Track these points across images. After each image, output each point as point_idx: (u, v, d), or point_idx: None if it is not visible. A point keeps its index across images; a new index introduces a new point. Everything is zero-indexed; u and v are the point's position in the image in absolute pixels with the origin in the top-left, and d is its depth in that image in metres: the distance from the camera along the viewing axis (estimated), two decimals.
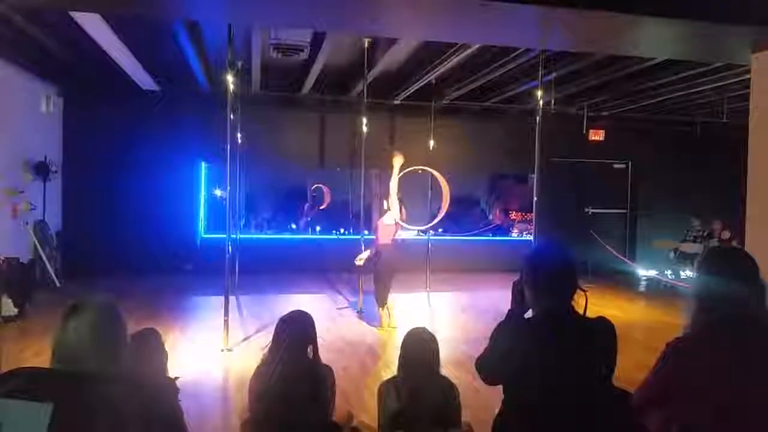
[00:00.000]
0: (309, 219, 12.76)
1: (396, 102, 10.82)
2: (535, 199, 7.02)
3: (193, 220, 11.47)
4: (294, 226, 12.66)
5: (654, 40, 5.35)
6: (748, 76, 5.53)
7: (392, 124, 11.93)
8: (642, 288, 11.12)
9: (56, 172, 9.87)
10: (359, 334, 7.12)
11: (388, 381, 3.12)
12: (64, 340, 1.80)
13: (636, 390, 2.22)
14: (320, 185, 13.03)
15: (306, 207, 12.98)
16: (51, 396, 1.55)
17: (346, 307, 8.43)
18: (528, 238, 12.56)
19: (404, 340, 3.14)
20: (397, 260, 7.23)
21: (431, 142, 10.30)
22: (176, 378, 2.59)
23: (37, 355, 5.68)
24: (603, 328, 2.24)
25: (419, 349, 3.05)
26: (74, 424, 1.56)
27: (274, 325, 3.10)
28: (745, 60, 5.28)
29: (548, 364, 2.13)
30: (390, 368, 5.55)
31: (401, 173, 7.28)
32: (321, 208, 12.85)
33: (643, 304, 9.70)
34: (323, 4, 4.63)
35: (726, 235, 10.17)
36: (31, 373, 1.73)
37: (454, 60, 7.85)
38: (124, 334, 1.91)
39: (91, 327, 1.80)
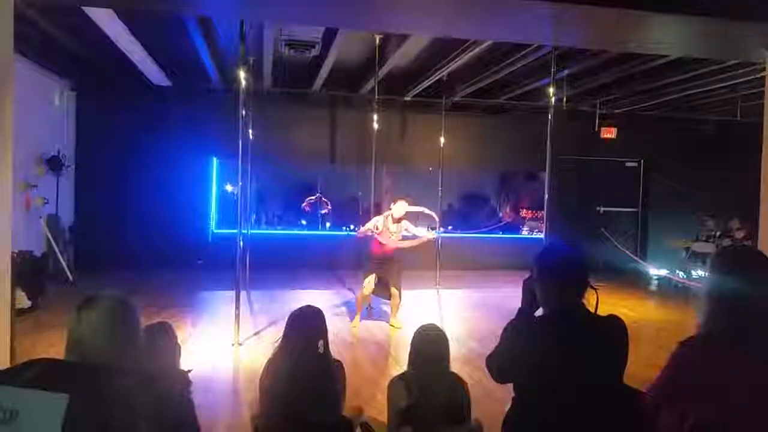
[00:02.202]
0: (319, 214, 12.74)
1: (407, 99, 10.81)
2: (546, 196, 6.98)
3: (205, 216, 11.52)
4: (304, 222, 12.67)
5: (667, 37, 5.32)
6: (762, 74, 5.48)
7: (403, 121, 11.92)
8: (653, 287, 11.05)
9: (69, 166, 9.94)
10: (369, 329, 7.13)
11: (399, 377, 3.13)
12: (77, 332, 1.83)
13: (648, 388, 2.22)
14: (319, 196, 12.93)
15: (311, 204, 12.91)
16: (67, 387, 1.57)
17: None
18: (538, 236, 12.51)
19: (414, 336, 3.14)
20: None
21: (442, 139, 10.28)
22: (188, 371, 2.62)
23: (51, 347, 5.73)
24: (614, 326, 2.24)
25: (430, 345, 3.06)
26: (89, 416, 1.58)
27: (285, 320, 3.12)
28: (760, 58, 5.24)
29: (559, 362, 2.13)
30: (400, 364, 5.56)
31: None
32: (324, 212, 12.80)
33: (653, 304, 9.65)
34: (335, 1, 4.64)
35: (740, 234, 10.08)
36: (47, 364, 1.75)
37: (466, 56, 7.82)
38: (137, 329, 1.93)
39: (104, 321, 1.83)
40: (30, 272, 7.56)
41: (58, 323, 6.57)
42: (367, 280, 7.11)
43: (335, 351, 3.21)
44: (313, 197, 12.76)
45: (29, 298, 7.30)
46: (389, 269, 7.13)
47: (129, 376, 1.76)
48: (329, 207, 12.80)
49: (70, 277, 9.24)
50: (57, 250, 9.21)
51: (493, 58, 8.41)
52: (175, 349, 2.75)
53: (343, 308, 8.20)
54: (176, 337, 2.80)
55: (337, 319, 7.41)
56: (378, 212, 10.64)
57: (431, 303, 8.94)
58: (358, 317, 7.27)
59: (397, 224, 7.11)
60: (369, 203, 9.51)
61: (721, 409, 1.99)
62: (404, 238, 7.26)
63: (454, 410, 2.97)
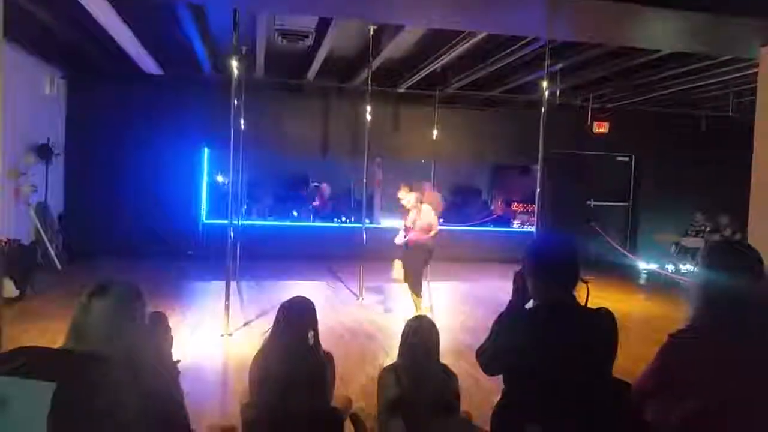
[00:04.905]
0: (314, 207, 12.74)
1: (400, 90, 10.78)
2: (537, 190, 6.99)
3: (195, 205, 11.47)
4: (296, 213, 12.64)
5: (661, 31, 5.32)
6: (755, 70, 5.49)
7: (396, 113, 11.89)
8: (642, 281, 11.12)
9: (59, 154, 9.86)
10: (359, 321, 7.14)
11: (388, 368, 3.13)
12: (83, 320, 1.82)
13: (636, 380, 2.23)
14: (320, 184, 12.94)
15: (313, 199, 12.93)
16: (54, 375, 1.56)
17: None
18: (529, 229, 12.55)
19: (405, 327, 3.14)
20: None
21: (435, 131, 10.27)
22: (178, 361, 2.61)
23: (39, 336, 5.70)
24: (604, 319, 2.24)
25: (420, 336, 3.06)
26: (76, 404, 1.57)
27: (275, 311, 3.11)
28: (753, 54, 5.25)
29: (549, 355, 2.14)
30: (390, 355, 5.57)
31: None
32: (315, 204, 12.81)
33: (642, 297, 9.71)
34: None
35: (729, 229, 10.15)
36: (34, 352, 1.74)
37: (460, 49, 7.80)
38: (143, 320, 1.94)
39: (114, 310, 1.83)
40: (18, 261, 7.52)
41: (46, 312, 6.53)
42: None
43: (325, 342, 3.20)
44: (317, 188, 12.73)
45: (17, 287, 7.24)
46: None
47: (120, 366, 1.76)
48: (325, 197, 12.79)
49: (59, 266, 9.18)
50: (46, 238, 9.15)
51: (487, 51, 8.40)
52: (169, 340, 2.74)
53: (334, 299, 8.20)
54: (170, 328, 2.79)
55: (328, 310, 7.40)
56: (370, 204, 10.64)
57: (422, 295, 8.93)
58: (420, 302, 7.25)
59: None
60: (361, 195, 9.49)
61: (708, 401, 2.00)
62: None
63: (443, 402, 2.97)
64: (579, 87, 10.48)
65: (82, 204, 10.52)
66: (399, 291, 7.66)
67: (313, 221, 12.46)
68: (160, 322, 2.71)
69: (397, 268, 7.18)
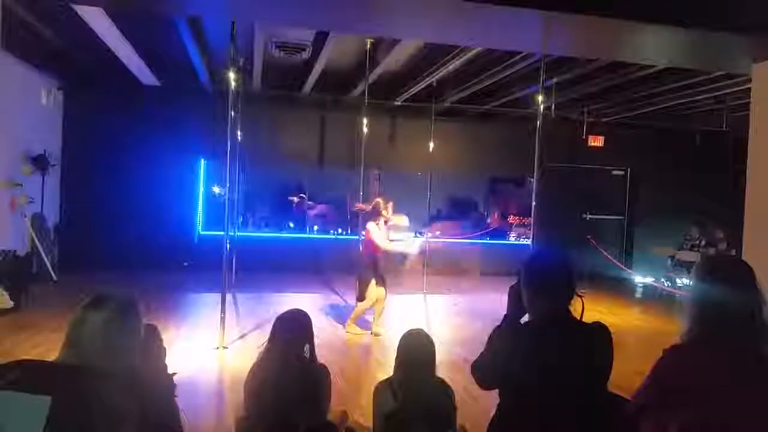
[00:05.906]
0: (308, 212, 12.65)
1: (397, 103, 10.83)
2: (533, 203, 7.02)
3: (192, 217, 11.46)
4: (292, 224, 12.62)
5: (655, 47, 5.37)
6: (749, 86, 5.54)
7: (392, 125, 11.94)
8: (638, 295, 11.13)
9: (55, 165, 9.85)
10: (355, 334, 7.11)
11: (384, 382, 3.12)
12: (78, 332, 1.81)
13: (633, 394, 2.23)
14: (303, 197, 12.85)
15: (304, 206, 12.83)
16: (49, 389, 1.55)
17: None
18: (525, 242, 12.56)
19: (401, 340, 3.14)
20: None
21: (431, 144, 10.31)
22: (173, 374, 2.60)
23: (33, 348, 5.67)
24: (599, 333, 2.25)
25: (416, 350, 3.05)
26: (71, 418, 1.56)
27: (271, 324, 3.11)
28: (746, 69, 5.30)
29: (544, 369, 2.13)
30: (386, 369, 5.55)
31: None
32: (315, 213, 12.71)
33: (638, 311, 9.71)
34: (327, 4, 4.64)
35: (724, 243, 10.18)
36: (30, 365, 1.74)
37: (456, 63, 7.85)
38: (138, 333, 1.94)
39: (108, 323, 1.82)
40: (13, 271, 7.49)
41: (41, 323, 6.50)
42: (370, 288, 6.91)
43: (321, 355, 3.20)
44: (296, 197, 12.66)
45: (12, 298, 7.21)
46: (382, 272, 7.04)
47: (114, 379, 1.75)
48: (316, 209, 12.73)
49: (54, 277, 9.15)
50: (41, 249, 9.12)
51: (483, 65, 8.45)
52: (161, 352, 2.73)
53: (330, 312, 8.18)
54: (162, 340, 2.78)
55: (324, 323, 7.38)
56: (366, 216, 10.61)
57: (418, 308, 8.93)
58: (354, 325, 7.08)
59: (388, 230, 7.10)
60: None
61: (704, 416, 2.01)
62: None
63: (439, 416, 2.97)
64: (574, 101, 10.54)
65: (78, 215, 10.49)
66: (396, 304, 7.64)
67: (308, 231, 12.42)
68: (152, 335, 2.71)
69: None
